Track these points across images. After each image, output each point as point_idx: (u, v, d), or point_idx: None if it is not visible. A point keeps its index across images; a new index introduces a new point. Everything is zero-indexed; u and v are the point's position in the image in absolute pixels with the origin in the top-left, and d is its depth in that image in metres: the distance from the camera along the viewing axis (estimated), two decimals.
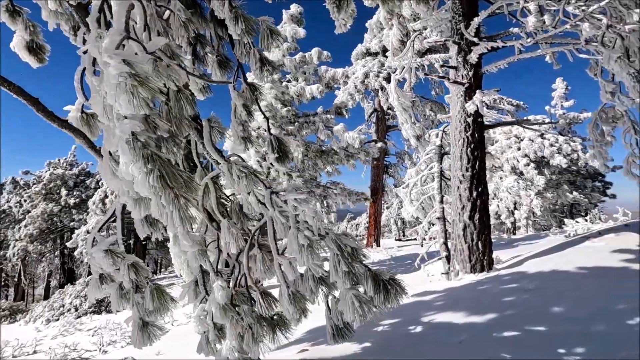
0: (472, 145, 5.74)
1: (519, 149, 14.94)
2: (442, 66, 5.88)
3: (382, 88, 17.27)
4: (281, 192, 1.95)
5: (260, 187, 1.99)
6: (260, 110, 3.51)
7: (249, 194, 2.00)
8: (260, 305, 2.07)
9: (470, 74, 5.80)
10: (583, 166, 17.08)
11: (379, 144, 13.75)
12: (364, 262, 2.06)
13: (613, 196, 23.43)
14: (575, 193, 15.80)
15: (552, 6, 3.89)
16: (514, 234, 15.55)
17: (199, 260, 2.10)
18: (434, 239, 7.45)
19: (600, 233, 6.53)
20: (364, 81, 17.40)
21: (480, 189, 5.68)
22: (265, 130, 9.07)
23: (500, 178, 15.24)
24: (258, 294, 2.08)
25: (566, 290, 3.96)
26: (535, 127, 6.82)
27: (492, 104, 18.33)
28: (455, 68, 5.97)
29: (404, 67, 6.28)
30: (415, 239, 27.86)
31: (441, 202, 6.82)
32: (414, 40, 6.16)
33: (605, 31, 3.56)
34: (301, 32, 9.68)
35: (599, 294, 3.82)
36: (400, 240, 25.05)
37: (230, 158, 2.06)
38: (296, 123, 9.32)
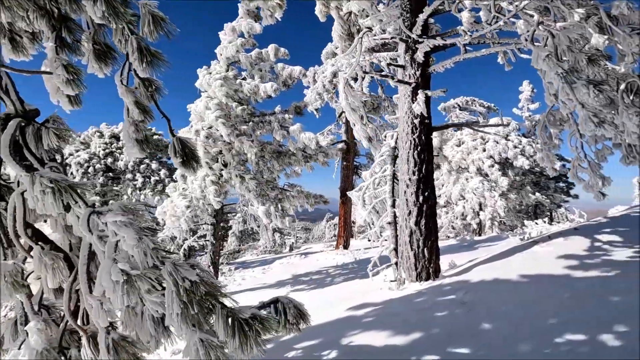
0: (419, 148, 5.50)
1: (484, 150, 15.07)
2: (389, 65, 5.60)
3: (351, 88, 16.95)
4: (104, 212, 1.55)
5: (79, 205, 1.58)
6: (159, 108, 3.07)
7: (63, 212, 1.58)
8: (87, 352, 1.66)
9: (418, 73, 5.55)
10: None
11: (340, 145, 13.53)
12: (218, 298, 1.69)
13: (576, 196, 24.19)
14: (538, 194, 16.09)
15: (484, 1, 3.66)
16: (480, 235, 15.67)
17: (12, 295, 1.66)
18: (386, 242, 7.19)
19: (550, 237, 6.45)
20: (332, 80, 17.11)
21: (427, 194, 5.44)
22: (217, 130, 8.58)
23: (467, 179, 15.31)
24: (84, 338, 1.66)
25: (500, 304, 3.74)
26: (486, 129, 6.70)
27: (464, 105, 18.41)
28: (403, 67, 5.72)
29: (353, 65, 5.97)
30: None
31: (392, 206, 6.57)
32: (362, 37, 5.86)
33: (535, 28, 3.34)
34: (257, 27, 9.24)
35: (532, 307, 3.63)
36: (373, 241, 25.00)
37: (46, 167, 1.63)
38: (250, 123, 8.87)
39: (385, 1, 6.20)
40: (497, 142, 14.72)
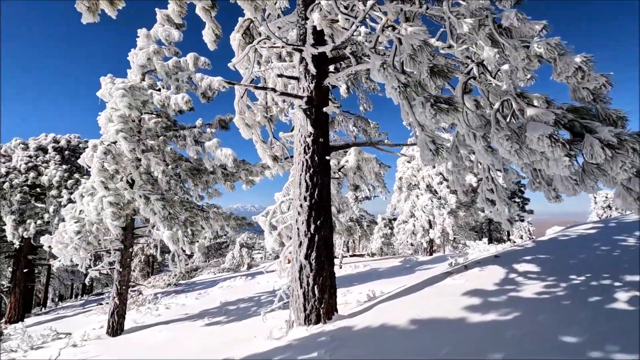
0: (312, 170, 4.84)
1: (433, 167, 14.84)
2: (279, 76, 4.97)
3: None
4: None
5: None
6: None
7: None
8: None
9: (312, 86, 4.95)
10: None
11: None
12: None
13: (531, 212, 24.58)
14: (487, 212, 15.98)
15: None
16: (431, 254, 15.28)
17: None
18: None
19: (466, 267, 5.94)
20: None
21: (319, 222, 4.77)
22: (114, 143, 7.64)
23: (417, 196, 14.95)
24: None
25: None
26: (393, 149, 6.26)
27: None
28: (298, 79, 5.10)
29: (245, 77, 5.31)
30: (363, 255, 27.26)
31: None
32: (255, 47, 5.22)
33: (379, 34, 2.79)
34: (175, 34, 8.49)
35: None
36: (345, 256, 24.24)
37: None
38: (161, 137, 8.02)
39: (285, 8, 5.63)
40: None
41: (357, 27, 2.97)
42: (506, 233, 21.67)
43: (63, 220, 7.80)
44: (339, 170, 6.57)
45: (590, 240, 6.86)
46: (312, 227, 4.74)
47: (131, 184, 7.89)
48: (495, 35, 3.77)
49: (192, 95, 8.87)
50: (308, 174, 4.84)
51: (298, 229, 4.83)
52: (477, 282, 5.16)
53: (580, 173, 3.00)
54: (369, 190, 24.36)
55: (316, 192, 4.80)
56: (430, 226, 14.58)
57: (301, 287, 4.68)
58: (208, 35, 4.45)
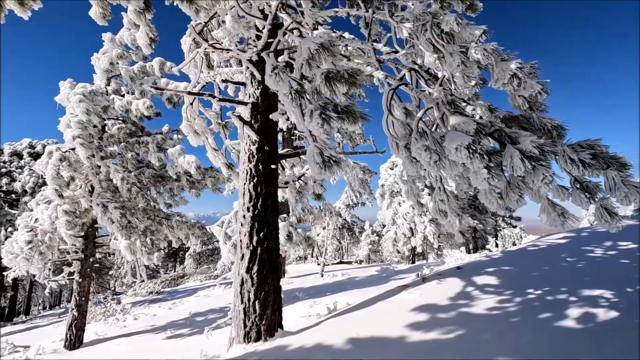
0: (256, 179, 4.64)
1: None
2: (224, 81, 4.79)
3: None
4: None
5: None
6: None
7: None
8: None
9: (257, 92, 4.77)
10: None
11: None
12: None
13: (518, 219, 24.44)
14: (469, 219, 15.84)
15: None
16: (413, 262, 15.06)
17: None
18: None
19: (424, 280, 5.73)
20: None
21: (262, 234, 4.56)
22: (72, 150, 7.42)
23: (399, 204, 14.77)
24: None
25: None
26: (343, 156, 6.12)
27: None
28: (244, 84, 4.93)
29: (192, 83, 5.12)
30: (351, 262, 26.99)
31: None
32: (204, 51, 5.04)
33: (280, 38, 2.60)
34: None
35: None
36: (327, 264, 23.95)
37: None
38: (123, 144, 7.80)
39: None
40: None
41: (269, 29, 2.78)
42: (494, 240, 21.51)
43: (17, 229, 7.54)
44: (299, 178, 6.38)
45: (558, 251, 6.69)
46: (255, 238, 4.53)
47: (91, 191, 7.65)
48: (432, 40, 3.63)
49: (158, 101, 8.67)
50: (252, 183, 4.63)
51: (241, 240, 4.62)
52: (432, 296, 4.95)
53: (505, 186, 2.82)
54: (355, 197, 24.12)
55: (260, 203, 4.60)
56: (412, 234, 14.38)
57: (242, 302, 4.46)
58: (141, 39, 4.26)
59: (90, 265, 8.07)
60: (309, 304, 8.14)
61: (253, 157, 4.69)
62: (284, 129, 18.45)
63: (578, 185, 3.39)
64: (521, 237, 28.94)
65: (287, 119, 17.74)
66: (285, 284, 13.56)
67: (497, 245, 23.38)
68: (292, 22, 2.64)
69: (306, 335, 4.20)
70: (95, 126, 7.91)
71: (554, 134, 3.27)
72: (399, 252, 18.59)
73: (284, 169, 6.54)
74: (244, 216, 4.60)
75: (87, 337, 8.49)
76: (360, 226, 31.49)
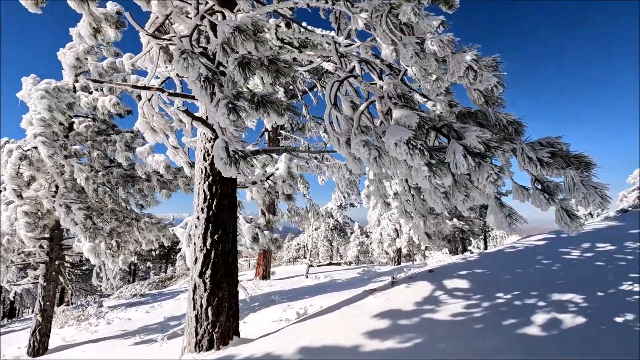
0: (211, 179, 4.40)
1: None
2: (178, 76, 4.55)
3: None
4: None
5: None
6: None
7: None
8: None
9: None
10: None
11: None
12: None
13: None
14: (455, 220, 15.69)
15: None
16: (399, 263, 14.87)
17: None
18: None
19: (393, 283, 5.52)
20: None
21: (217, 236, 4.32)
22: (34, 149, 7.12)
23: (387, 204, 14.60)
24: None
25: None
26: (304, 155, 5.90)
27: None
28: None
29: (148, 76, 4.86)
30: (338, 263, 26.73)
31: None
32: (161, 44, 4.79)
33: (198, 22, 2.37)
34: (111, 34, 7.99)
35: None
36: (312, 266, 23.69)
37: None
38: (89, 142, 7.51)
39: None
40: None
41: (195, 14, 2.54)
42: (483, 242, 21.40)
43: None
44: (268, 178, 6.14)
45: (535, 253, 6.52)
46: (209, 241, 4.29)
47: (56, 191, 7.34)
48: (386, 31, 3.43)
49: (129, 98, 8.38)
50: (206, 183, 4.40)
51: (195, 243, 4.38)
52: (398, 301, 4.74)
53: (452, 185, 2.61)
54: (344, 197, 23.81)
55: (214, 203, 4.36)
56: (398, 235, 14.20)
57: (194, 309, 4.21)
58: (84, 29, 4.01)
59: (56, 268, 7.76)
60: (284, 307, 7.90)
61: (208, 155, 4.46)
62: (269, 129, 18.26)
63: (539, 186, 3.20)
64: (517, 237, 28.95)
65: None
66: (268, 286, 13.31)
67: (486, 247, 23.31)
68: (214, 5, 2.41)
69: (260, 344, 3.96)
70: (61, 124, 7.61)
71: (510, 130, 3.08)
72: (387, 253, 18.39)
73: (253, 166, 6.30)
74: (197, 217, 4.36)
75: (53, 343, 8.17)
76: (352, 227, 31.28)
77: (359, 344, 3.59)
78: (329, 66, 3.30)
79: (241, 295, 8.08)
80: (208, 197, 4.36)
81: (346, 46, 4.12)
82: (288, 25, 3.42)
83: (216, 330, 4.15)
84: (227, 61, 2.01)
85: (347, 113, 2.80)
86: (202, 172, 4.42)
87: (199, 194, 4.43)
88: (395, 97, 2.98)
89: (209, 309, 4.17)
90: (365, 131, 2.85)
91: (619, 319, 3.66)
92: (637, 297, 4.20)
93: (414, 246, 14.19)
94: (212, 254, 4.27)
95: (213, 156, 4.47)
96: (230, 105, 1.80)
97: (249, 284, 13.86)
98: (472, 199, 2.56)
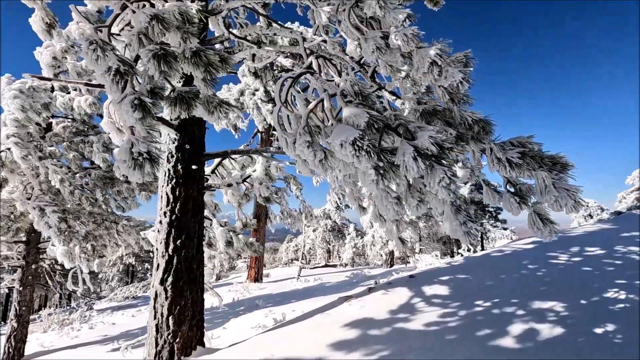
0: (174, 181, 4.21)
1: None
2: None
3: (259, 108, 16.08)
4: None
5: None
6: None
7: None
8: None
9: (179, 84, 4.33)
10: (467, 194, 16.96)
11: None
12: None
13: (504, 221, 24.11)
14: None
15: None
16: (391, 265, 14.64)
17: None
18: None
19: (370, 290, 5.32)
20: (238, 99, 15.98)
21: (180, 241, 4.12)
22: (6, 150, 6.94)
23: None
24: None
25: None
26: (276, 156, 5.73)
27: None
28: None
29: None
30: (334, 265, 26.51)
31: None
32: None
33: (119, 12, 2.16)
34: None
35: None
36: (304, 267, 23.47)
37: None
38: (65, 143, 7.33)
39: None
40: None
41: (114, 5, 2.34)
42: (480, 244, 21.15)
43: None
44: (244, 180, 5.94)
45: (522, 257, 6.30)
46: (171, 246, 4.09)
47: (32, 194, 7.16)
48: (349, 26, 3.24)
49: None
50: (170, 185, 4.20)
51: (157, 249, 4.18)
52: (372, 309, 4.53)
53: (406, 189, 2.42)
54: (339, 198, 23.56)
55: (177, 207, 4.17)
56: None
57: (154, 318, 4.01)
58: (36, 24, 3.82)
59: (32, 272, 7.57)
60: (266, 312, 7.70)
61: (172, 156, 4.27)
62: (261, 130, 18.08)
63: (512, 189, 3.00)
64: (511, 239, 28.66)
65: (264, 119, 17.12)
66: (258, 289, 13.12)
67: (483, 248, 23.05)
68: None
69: (222, 355, 3.76)
70: (38, 124, 7.44)
71: (476, 129, 2.88)
72: (382, 255, 18.17)
73: (224, 169, 6.10)
74: (160, 222, 4.17)
75: (31, 349, 7.99)
76: (349, 228, 31.06)
77: (323, 356, 3.39)
78: (286, 62, 3.10)
79: (216, 302, 7.92)
80: (171, 200, 4.17)
81: (312, 41, 3.94)
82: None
83: (177, 340, 3.96)
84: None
85: (302, 112, 2.60)
86: (165, 174, 4.23)
87: (162, 197, 4.24)
88: (353, 95, 2.79)
89: (170, 318, 3.97)
90: (316, 131, 2.66)
91: (598, 330, 3.46)
92: (621, 305, 3.99)
93: (407, 248, 13.99)
94: (175, 260, 4.08)
95: (177, 157, 4.29)
96: (136, 102, 1.61)
97: (238, 286, 13.67)
98: (427, 204, 2.37)
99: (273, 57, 3.33)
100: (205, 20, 3.36)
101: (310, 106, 2.47)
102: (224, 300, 11.31)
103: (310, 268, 22.40)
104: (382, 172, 2.15)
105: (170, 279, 4.02)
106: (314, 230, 34.10)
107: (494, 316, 4.02)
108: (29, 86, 6.99)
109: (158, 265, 4.11)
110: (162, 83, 1.87)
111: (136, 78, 1.79)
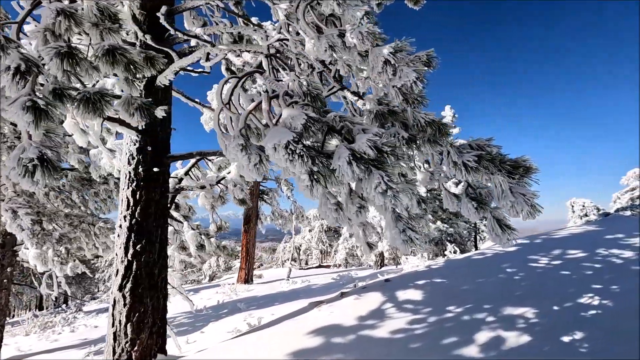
0: (135, 184, 4.09)
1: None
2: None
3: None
4: None
5: None
6: None
7: None
8: None
9: (143, 81, 4.21)
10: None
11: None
12: None
13: None
14: (439, 223, 15.37)
15: None
16: (382, 266, 14.54)
17: None
18: None
19: (342, 294, 5.21)
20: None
21: (140, 246, 3.99)
22: None
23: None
24: None
25: None
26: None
27: None
28: None
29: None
30: (328, 266, 26.40)
31: None
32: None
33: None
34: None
35: None
36: (301, 269, 23.35)
37: None
38: None
39: None
40: None
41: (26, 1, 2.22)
42: (452, 246, 21.06)
43: None
44: (218, 182, 5.82)
45: (502, 260, 6.19)
46: (131, 252, 3.96)
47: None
48: (304, 24, 3.13)
49: None
50: (130, 188, 4.07)
51: (116, 254, 4.05)
52: (341, 315, 4.42)
53: (346, 195, 2.31)
54: None
55: (138, 211, 4.04)
56: (380, 239, 13.91)
57: (112, 325, 3.89)
58: None
59: (8, 275, 7.43)
60: (245, 316, 7.58)
61: (133, 158, 4.14)
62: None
63: (472, 193, 2.90)
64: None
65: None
66: (246, 291, 12.98)
67: (476, 249, 22.94)
68: None
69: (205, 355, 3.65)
70: (12, 124, 7.30)
71: (429, 131, 2.77)
72: (375, 256, 18.05)
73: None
74: (120, 226, 4.04)
75: (7, 353, 7.85)
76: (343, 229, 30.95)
77: None
78: (238, 61, 2.99)
79: (188, 308, 7.77)
80: (131, 204, 4.04)
81: (280, 40, 3.82)
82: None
83: (135, 349, 3.83)
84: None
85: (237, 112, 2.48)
86: (126, 177, 4.11)
87: (122, 200, 4.11)
88: (302, 95, 2.68)
89: (128, 325, 3.85)
90: (258, 134, 2.55)
91: (566, 338, 3.35)
92: (593, 312, 3.88)
93: (397, 250, 13.89)
94: (134, 266, 3.95)
95: (137, 160, 4.16)
96: (28, 104, 1.49)
97: (226, 288, 13.54)
98: (368, 211, 2.25)
99: (221, 56, 3.21)
100: (153, 18, 3.23)
101: (249, 108, 2.36)
102: (210, 303, 11.18)
103: (304, 269, 22.29)
104: (315, 177, 2.04)
105: (129, 285, 3.89)
106: (309, 231, 34.03)
107: (462, 323, 3.91)
108: None
109: (117, 271, 3.98)
110: (69, 83, 1.76)
111: (47, 80, 1.67)
